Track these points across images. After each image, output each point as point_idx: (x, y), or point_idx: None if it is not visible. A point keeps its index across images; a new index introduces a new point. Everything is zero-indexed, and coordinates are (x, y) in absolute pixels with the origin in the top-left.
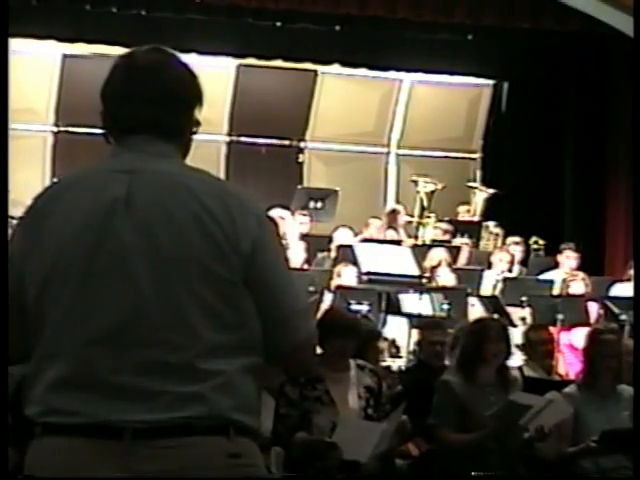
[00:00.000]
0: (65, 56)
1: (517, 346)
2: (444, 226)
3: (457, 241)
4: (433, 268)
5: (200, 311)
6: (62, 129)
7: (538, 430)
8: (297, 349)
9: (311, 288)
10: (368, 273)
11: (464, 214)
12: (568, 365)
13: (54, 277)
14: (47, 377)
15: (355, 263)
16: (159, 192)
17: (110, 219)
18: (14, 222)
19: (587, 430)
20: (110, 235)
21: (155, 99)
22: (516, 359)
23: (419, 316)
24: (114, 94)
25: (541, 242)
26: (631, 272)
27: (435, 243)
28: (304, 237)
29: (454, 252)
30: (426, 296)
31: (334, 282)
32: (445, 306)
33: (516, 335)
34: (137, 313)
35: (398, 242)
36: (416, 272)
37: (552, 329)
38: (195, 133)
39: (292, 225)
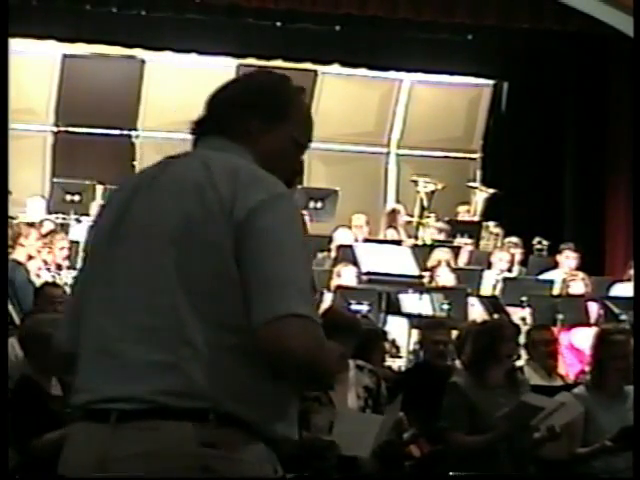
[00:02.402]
0: (65, 56)
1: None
2: (439, 225)
3: (457, 241)
4: (433, 268)
5: (179, 275)
6: (62, 129)
7: (550, 429)
8: (271, 325)
9: None
10: (368, 273)
11: (464, 214)
12: (568, 365)
13: (90, 259)
14: (81, 355)
15: (355, 263)
16: (184, 169)
17: (132, 198)
18: (14, 222)
19: (598, 431)
20: (127, 213)
21: (227, 104)
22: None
23: (419, 316)
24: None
25: (545, 242)
26: (631, 272)
27: (436, 243)
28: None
29: (455, 251)
30: (426, 296)
31: (334, 282)
32: (445, 306)
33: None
34: (131, 282)
35: (398, 242)
36: (416, 272)
37: (552, 329)
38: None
39: None
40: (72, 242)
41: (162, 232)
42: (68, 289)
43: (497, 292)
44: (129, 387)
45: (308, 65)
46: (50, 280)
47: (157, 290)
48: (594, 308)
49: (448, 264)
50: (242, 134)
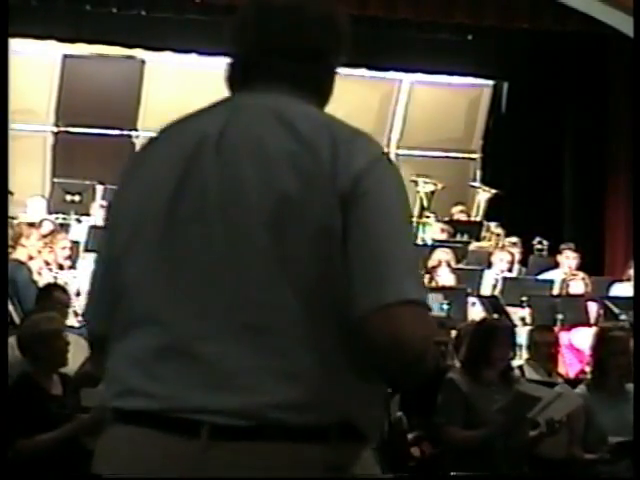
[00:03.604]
0: (65, 56)
1: (518, 345)
2: (441, 225)
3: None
4: (433, 268)
5: (281, 266)
6: (62, 129)
7: (549, 423)
8: (383, 313)
9: None
10: None
11: (458, 214)
12: (568, 365)
13: (136, 232)
14: (127, 349)
15: None
16: (256, 128)
17: (196, 160)
18: (14, 222)
19: (599, 430)
20: (193, 179)
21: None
22: (517, 358)
23: None
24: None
25: (545, 242)
26: (631, 272)
27: (436, 243)
28: None
29: (460, 251)
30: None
31: None
32: (445, 306)
33: (517, 335)
34: (212, 270)
35: None
36: None
37: (554, 330)
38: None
39: None
40: (73, 242)
41: (250, 216)
42: (71, 289)
43: (497, 292)
44: (225, 397)
45: None
46: (52, 280)
47: (253, 282)
48: (594, 308)
49: (448, 264)
50: (302, 77)
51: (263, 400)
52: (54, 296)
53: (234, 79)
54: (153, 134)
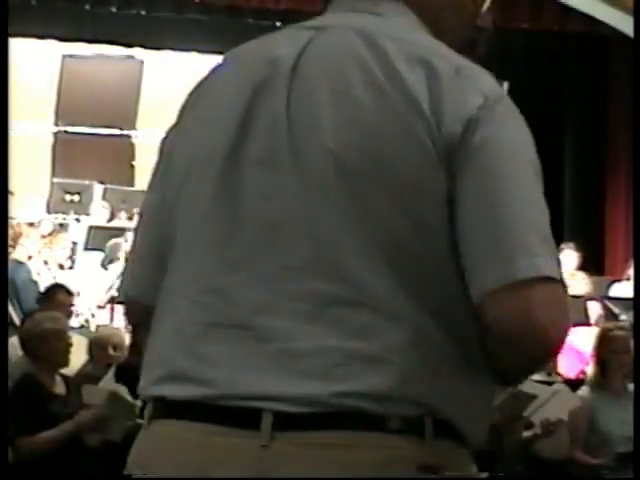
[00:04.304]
0: (65, 56)
1: None
2: None
3: None
4: None
5: (365, 227)
6: (62, 129)
7: (543, 423)
8: (511, 292)
9: None
10: None
11: None
12: (568, 365)
13: (190, 177)
14: (171, 324)
15: None
16: (340, 54)
17: (266, 88)
18: (14, 222)
19: (604, 432)
20: (261, 112)
21: None
22: None
23: None
24: None
25: None
26: (630, 272)
27: None
28: None
29: None
30: None
31: None
32: None
33: None
34: (277, 226)
35: None
36: None
37: None
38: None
39: None
40: (72, 242)
41: (326, 159)
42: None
43: None
44: (292, 383)
45: None
46: (51, 280)
47: (333, 245)
48: (594, 308)
49: None
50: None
51: (341, 387)
52: (58, 297)
53: None
54: (153, 134)
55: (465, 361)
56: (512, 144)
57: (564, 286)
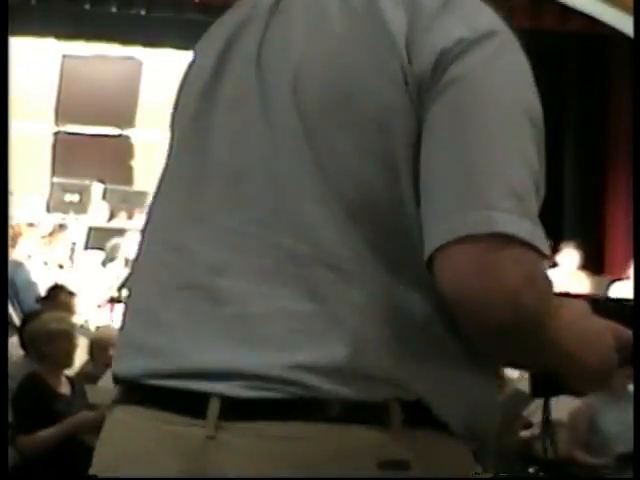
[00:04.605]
0: (65, 56)
1: None
2: None
3: None
4: None
5: (325, 173)
6: (62, 129)
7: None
8: (463, 247)
9: None
10: None
11: None
12: None
13: (173, 132)
14: (137, 290)
15: None
16: None
17: (245, 27)
18: (13, 222)
19: (603, 432)
20: (236, 50)
21: None
22: None
23: None
24: None
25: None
26: (630, 271)
27: None
28: None
29: None
30: None
31: None
32: None
33: None
34: (241, 175)
35: None
36: None
37: None
38: None
39: None
40: (71, 242)
41: (290, 98)
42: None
43: None
44: (244, 354)
45: None
46: (51, 280)
47: (292, 194)
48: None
49: None
50: None
51: (292, 359)
52: (59, 298)
53: None
54: (152, 134)
55: (443, 334)
56: (498, 85)
57: (543, 256)
